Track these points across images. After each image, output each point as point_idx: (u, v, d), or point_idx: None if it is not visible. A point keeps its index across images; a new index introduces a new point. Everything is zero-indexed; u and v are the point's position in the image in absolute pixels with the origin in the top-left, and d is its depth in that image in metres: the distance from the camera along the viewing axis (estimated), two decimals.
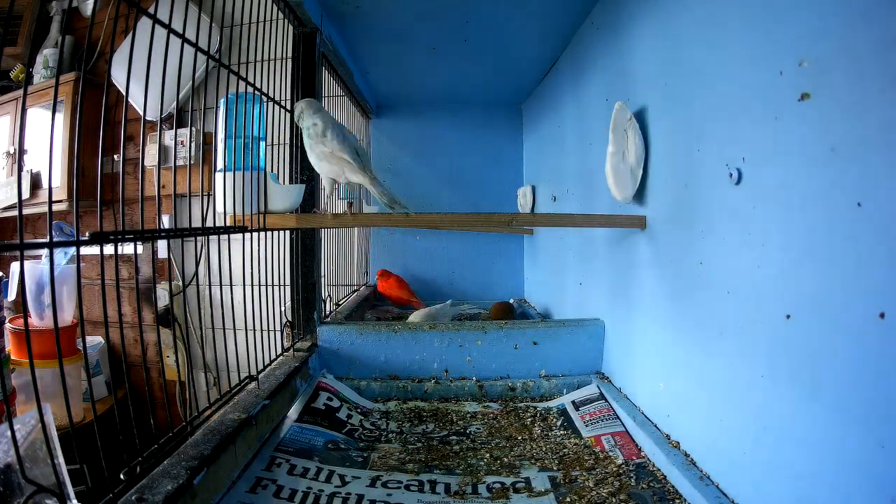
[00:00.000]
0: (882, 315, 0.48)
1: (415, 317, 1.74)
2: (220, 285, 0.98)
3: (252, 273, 0.98)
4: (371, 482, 0.81)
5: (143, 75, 0.66)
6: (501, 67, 1.82)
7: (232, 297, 1.01)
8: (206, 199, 0.90)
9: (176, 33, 0.72)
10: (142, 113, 0.79)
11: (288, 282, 1.23)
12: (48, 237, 0.52)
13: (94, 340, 2.21)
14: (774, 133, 0.63)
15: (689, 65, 0.84)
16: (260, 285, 1.07)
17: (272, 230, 1.06)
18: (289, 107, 1.19)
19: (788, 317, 0.60)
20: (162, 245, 2.20)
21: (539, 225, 1.99)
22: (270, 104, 1.05)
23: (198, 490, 0.66)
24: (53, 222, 2.08)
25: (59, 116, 2.13)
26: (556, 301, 1.75)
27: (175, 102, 1.05)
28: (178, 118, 1.93)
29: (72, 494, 0.57)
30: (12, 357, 1.73)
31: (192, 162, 1.96)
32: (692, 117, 0.83)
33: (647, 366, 0.99)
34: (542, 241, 2.04)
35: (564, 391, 1.17)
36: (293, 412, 1.01)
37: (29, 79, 2.22)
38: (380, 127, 2.36)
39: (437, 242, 2.35)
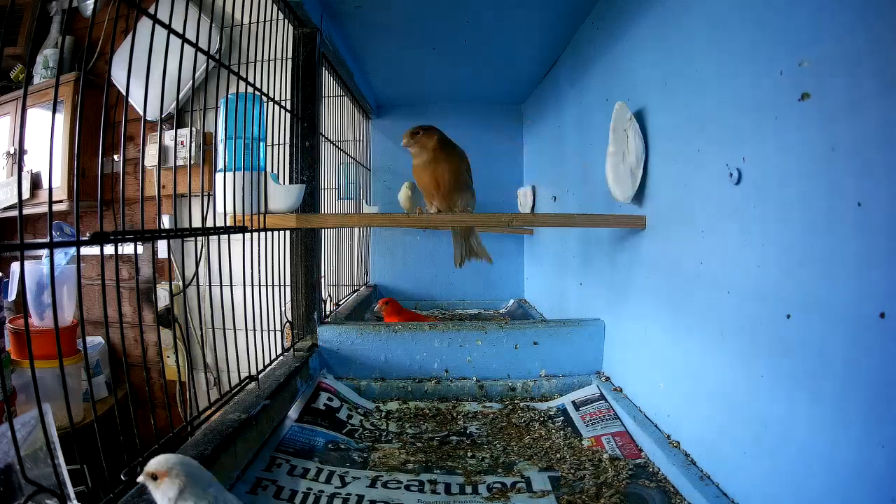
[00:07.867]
0: (882, 315, 0.48)
1: None
2: (221, 285, 0.98)
3: (252, 273, 0.98)
4: (371, 482, 0.81)
5: (144, 75, 0.66)
6: (501, 67, 1.82)
7: (232, 298, 1.01)
8: (206, 199, 0.90)
9: (176, 33, 0.72)
10: (142, 113, 0.79)
11: (288, 282, 1.23)
12: (48, 237, 0.52)
13: (95, 341, 2.21)
14: (774, 133, 0.63)
15: (689, 65, 0.84)
16: (260, 285, 1.07)
17: (272, 230, 1.06)
18: (289, 107, 1.19)
19: (788, 317, 0.60)
20: (162, 245, 2.20)
21: (539, 225, 1.99)
22: (271, 104, 1.05)
23: None
24: (53, 222, 2.08)
25: (59, 116, 2.13)
26: (557, 301, 1.75)
27: (175, 102, 1.04)
28: (179, 118, 1.93)
29: (72, 495, 0.57)
30: (12, 357, 1.73)
31: (192, 162, 1.96)
32: (692, 117, 0.83)
33: (648, 366, 0.99)
34: (542, 241, 2.04)
35: (565, 391, 1.17)
36: (293, 412, 1.00)
37: (29, 79, 2.22)
38: (380, 127, 2.36)
39: (438, 242, 2.35)
